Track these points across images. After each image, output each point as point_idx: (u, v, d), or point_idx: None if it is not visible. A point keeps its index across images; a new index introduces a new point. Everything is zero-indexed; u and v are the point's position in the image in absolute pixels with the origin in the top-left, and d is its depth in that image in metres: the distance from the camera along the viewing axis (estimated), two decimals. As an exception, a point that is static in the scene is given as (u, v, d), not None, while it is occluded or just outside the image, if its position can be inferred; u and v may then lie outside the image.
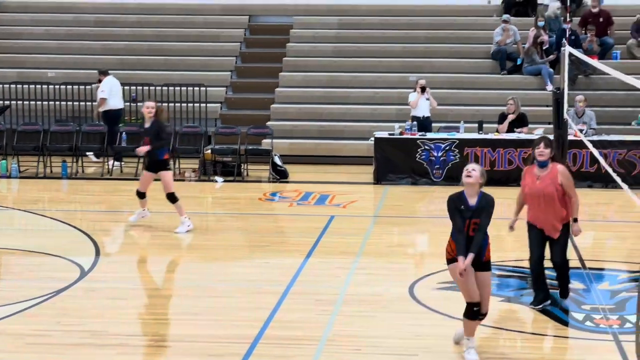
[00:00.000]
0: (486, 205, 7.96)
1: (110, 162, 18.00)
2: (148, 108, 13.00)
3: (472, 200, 7.97)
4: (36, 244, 12.20)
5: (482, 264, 7.95)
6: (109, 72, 19.37)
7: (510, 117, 17.26)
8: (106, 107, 18.88)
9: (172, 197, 13.10)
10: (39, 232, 13.09)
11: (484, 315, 8.03)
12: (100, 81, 19.13)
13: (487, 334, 8.65)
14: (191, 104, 19.94)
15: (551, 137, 13.87)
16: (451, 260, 7.95)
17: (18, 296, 9.74)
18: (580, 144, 15.73)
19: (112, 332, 8.62)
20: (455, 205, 7.91)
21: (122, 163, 18.26)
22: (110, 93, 18.94)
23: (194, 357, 8.02)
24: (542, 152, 9.31)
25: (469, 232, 7.86)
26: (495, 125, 17.60)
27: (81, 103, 20.13)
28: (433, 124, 18.08)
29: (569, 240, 9.63)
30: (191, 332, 8.62)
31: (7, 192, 14.05)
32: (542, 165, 9.33)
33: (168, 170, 13.23)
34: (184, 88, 20.02)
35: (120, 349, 8.17)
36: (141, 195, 13.34)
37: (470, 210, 7.88)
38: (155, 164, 13.10)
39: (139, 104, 19.93)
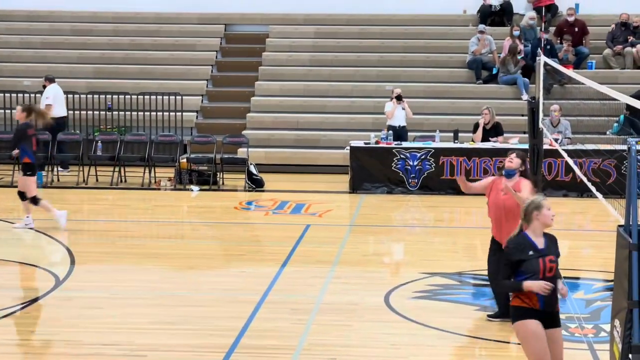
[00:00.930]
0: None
1: (55, 170, 18.00)
2: (18, 112, 13.60)
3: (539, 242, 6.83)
4: (11, 253, 12.12)
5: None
6: (55, 79, 19.33)
7: (481, 124, 17.29)
8: (53, 114, 18.85)
9: (22, 195, 13.48)
10: (13, 241, 13.00)
11: None
12: (44, 87, 19.04)
13: (463, 343, 8.68)
14: (167, 113, 19.89)
15: (526, 147, 13.97)
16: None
17: (-8, 306, 9.68)
18: (555, 153, 15.82)
19: (87, 342, 8.58)
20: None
21: (68, 170, 18.21)
22: (55, 100, 18.87)
23: (170, 366, 8.00)
24: (512, 159, 9.24)
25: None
26: (471, 135, 17.67)
27: (56, 111, 20.02)
28: (409, 133, 18.13)
29: None
30: (167, 342, 8.59)
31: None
32: (509, 174, 9.26)
33: (28, 176, 13.46)
34: (159, 97, 19.97)
35: (95, 359, 8.13)
36: (35, 201, 13.48)
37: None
38: (22, 166, 13.57)
39: (113, 112, 19.91)
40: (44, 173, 17.69)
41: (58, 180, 17.89)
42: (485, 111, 17.40)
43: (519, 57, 20.47)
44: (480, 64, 20.89)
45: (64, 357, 8.18)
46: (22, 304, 9.73)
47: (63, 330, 8.87)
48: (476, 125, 17.48)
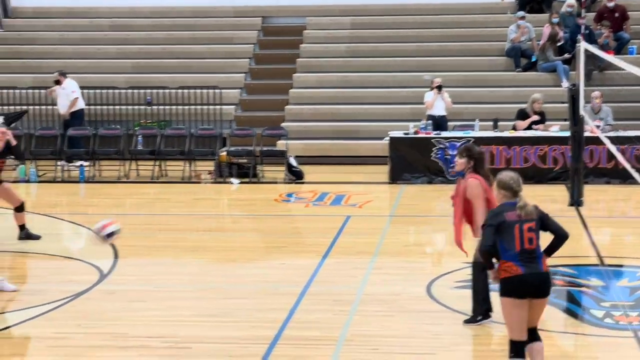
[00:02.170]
0: None
1: (77, 164, 18.14)
2: None
3: None
4: (56, 248, 12.27)
5: None
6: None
7: (534, 118, 17.18)
8: (76, 107, 19.02)
9: None
10: (58, 235, 13.16)
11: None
12: (59, 82, 19.11)
13: (506, 332, 8.65)
14: (206, 107, 20.00)
15: (567, 134, 13.81)
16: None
17: (39, 299, 9.81)
18: (596, 140, 15.70)
19: (132, 334, 8.67)
20: None
21: (77, 165, 18.34)
22: (79, 93, 19.13)
23: (214, 358, 8.06)
24: (456, 162, 8.87)
25: None
26: (511, 123, 17.58)
27: (97, 107, 20.21)
28: (448, 123, 18.08)
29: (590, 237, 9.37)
30: (211, 334, 8.66)
31: (26, 197, 14.11)
32: (460, 176, 8.88)
33: None
34: (198, 91, 20.08)
35: (140, 351, 8.22)
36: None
37: None
38: None
39: (153, 107, 20.04)
40: (85, 168, 17.86)
41: (100, 175, 18.05)
42: (540, 100, 17.24)
43: (558, 44, 20.32)
44: (519, 52, 20.77)
45: (110, 350, 8.28)
46: (67, 297, 9.85)
47: (108, 324, 8.98)
48: (520, 112, 17.32)
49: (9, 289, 10.20)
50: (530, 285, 6.86)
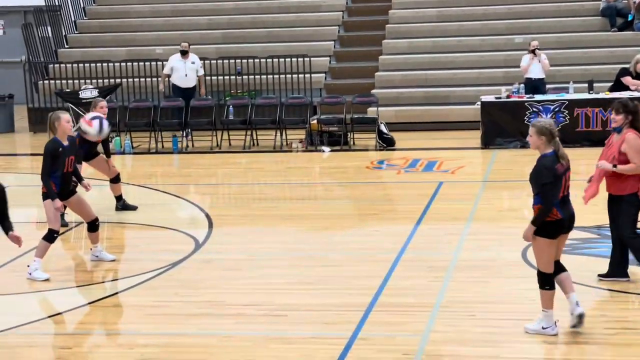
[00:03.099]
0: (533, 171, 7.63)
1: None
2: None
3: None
4: (151, 218, 12.49)
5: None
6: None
7: (634, 72, 16.70)
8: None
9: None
10: (153, 206, 13.38)
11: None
12: (184, 53, 19.16)
13: (603, 297, 8.53)
14: (295, 75, 20.04)
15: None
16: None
17: (137, 269, 10.02)
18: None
19: (228, 302, 8.78)
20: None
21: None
22: None
23: (310, 325, 8.12)
24: (614, 118, 8.76)
25: None
26: (606, 85, 17.19)
27: (189, 78, 20.40)
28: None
29: None
30: (306, 301, 8.72)
31: (122, 168, 14.41)
32: (617, 132, 8.77)
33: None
34: (287, 59, 20.12)
35: (237, 319, 8.33)
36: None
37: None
38: None
39: (243, 77, 20.16)
40: (178, 139, 18.10)
41: (193, 145, 18.27)
42: None
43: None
44: (614, 11, 20.26)
45: (208, 318, 8.40)
46: (164, 267, 10.02)
47: (206, 292, 9.11)
48: (623, 71, 16.83)
49: (108, 258, 10.43)
50: (564, 227, 7.62)
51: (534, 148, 7.68)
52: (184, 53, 19.10)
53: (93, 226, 10.27)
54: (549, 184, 7.44)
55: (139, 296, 9.19)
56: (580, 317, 7.66)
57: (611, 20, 20.34)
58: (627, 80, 16.77)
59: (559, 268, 7.76)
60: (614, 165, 8.63)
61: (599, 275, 9.05)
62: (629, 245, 8.84)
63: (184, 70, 19.07)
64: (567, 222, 7.62)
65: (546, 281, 7.64)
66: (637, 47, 19.31)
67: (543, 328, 7.65)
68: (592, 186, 8.86)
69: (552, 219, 7.50)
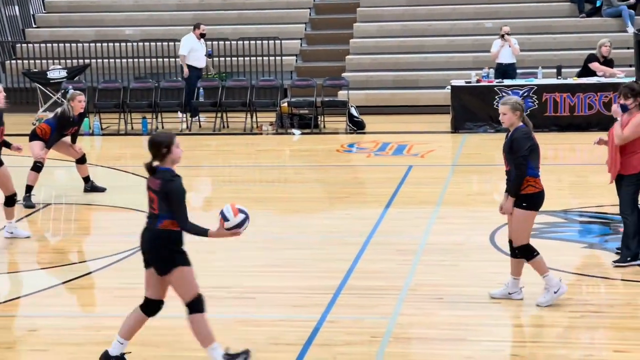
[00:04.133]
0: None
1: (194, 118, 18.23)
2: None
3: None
4: (121, 200, 12.45)
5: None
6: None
7: (601, 58, 16.78)
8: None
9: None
10: (123, 188, 13.33)
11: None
12: (202, 36, 18.89)
13: (570, 281, 8.60)
14: (266, 57, 19.99)
15: (633, 80, 13.60)
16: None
17: (106, 250, 9.99)
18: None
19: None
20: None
21: (199, 118, 18.47)
22: None
23: (279, 307, 8.14)
24: (622, 99, 8.95)
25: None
26: (574, 70, 17.31)
27: (159, 60, 20.32)
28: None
29: None
30: (275, 284, 8.74)
31: (91, 149, 14.31)
32: (623, 109, 8.98)
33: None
34: (259, 42, 20.07)
35: (206, 301, 8.31)
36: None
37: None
38: None
39: (214, 59, 20.08)
40: (148, 120, 18.01)
41: (162, 127, 18.19)
42: (607, 44, 16.90)
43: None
44: (583, -3, 20.38)
45: (176, 300, 8.37)
46: (133, 248, 9.99)
47: (174, 274, 9.07)
48: (592, 57, 16.94)
49: (23, 235, 10.42)
50: (544, 198, 7.92)
51: (508, 125, 7.84)
52: (203, 35, 18.86)
53: (10, 201, 10.27)
54: (528, 153, 7.71)
55: (107, 278, 9.17)
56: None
57: (579, 6, 20.45)
58: (594, 66, 16.88)
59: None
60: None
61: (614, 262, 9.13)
62: (623, 225, 9.02)
63: (203, 51, 18.88)
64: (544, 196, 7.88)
65: (529, 250, 7.89)
66: (605, 32, 19.43)
67: (555, 292, 7.90)
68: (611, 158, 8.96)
69: (536, 190, 7.76)
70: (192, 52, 18.60)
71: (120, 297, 8.54)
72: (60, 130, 12.18)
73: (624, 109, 8.90)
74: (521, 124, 7.84)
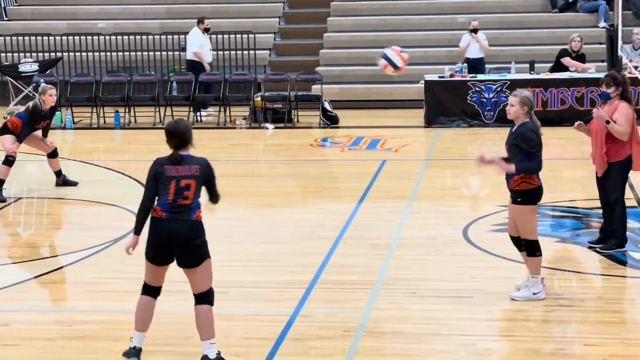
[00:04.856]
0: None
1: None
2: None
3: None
4: (93, 194, 12.37)
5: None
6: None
7: (571, 52, 16.90)
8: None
9: None
10: (95, 182, 13.24)
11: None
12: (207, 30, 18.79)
13: (542, 275, 8.62)
14: (240, 52, 19.94)
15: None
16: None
17: (77, 245, 9.92)
18: (635, 82, 15.46)
19: (170, 279, 8.64)
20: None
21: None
22: None
23: (252, 302, 8.12)
24: (606, 85, 9.17)
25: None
26: (547, 65, 17.38)
27: (132, 53, 20.22)
28: (485, 65, 17.92)
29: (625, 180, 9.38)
30: (248, 278, 8.72)
31: (63, 143, 14.21)
32: (604, 97, 9.16)
33: None
34: (232, 35, 20.00)
35: (179, 296, 8.26)
36: None
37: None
38: None
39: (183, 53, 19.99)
40: (121, 114, 17.91)
41: (135, 121, 18.11)
42: (577, 39, 16.99)
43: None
44: (556, -8, 20.47)
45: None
46: (105, 243, 9.94)
47: (147, 269, 9.03)
48: (564, 51, 17.03)
49: None
50: (542, 194, 7.95)
51: (514, 117, 7.89)
52: (207, 30, 18.73)
53: None
54: (538, 145, 7.74)
55: (79, 272, 9.12)
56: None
57: (552, 1, 20.53)
58: (566, 60, 16.98)
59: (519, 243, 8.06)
60: (607, 122, 8.88)
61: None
62: (607, 212, 9.20)
63: (209, 45, 18.76)
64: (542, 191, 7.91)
65: (535, 248, 7.90)
66: (578, 28, 19.53)
67: (534, 294, 7.91)
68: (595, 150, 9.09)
69: (533, 186, 7.80)
70: (201, 47, 18.46)
71: (92, 292, 8.49)
72: (31, 124, 12.11)
73: (606, 97, 9.05)
74: (528, 119, 7.82)
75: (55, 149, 12.62)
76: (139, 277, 8.76)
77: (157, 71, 19.58)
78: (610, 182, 9.09)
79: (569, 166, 11.01)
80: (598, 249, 9.26)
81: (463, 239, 9.88)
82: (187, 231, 6.61)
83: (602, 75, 15.73)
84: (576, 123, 9.11)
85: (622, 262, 9.05)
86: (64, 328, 7.61)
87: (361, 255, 9.36)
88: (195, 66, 18.47)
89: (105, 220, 11.13)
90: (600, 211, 9.47)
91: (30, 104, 12.19)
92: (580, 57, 17.09)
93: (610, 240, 9.22)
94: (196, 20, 18.83)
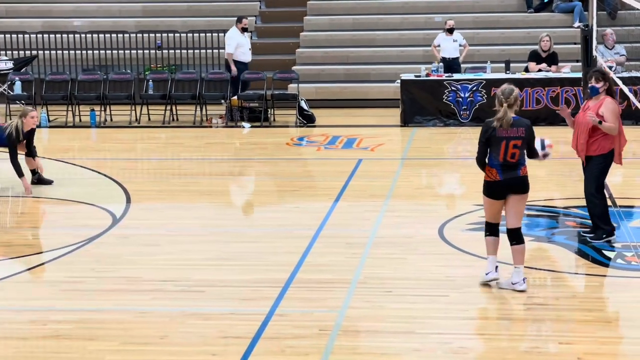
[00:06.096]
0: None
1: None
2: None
3: None
4: (68, 193, 12.32)
5: None
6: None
7: (541, 52, 17.02)
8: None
9: None
10: (70, 180, 13.19)
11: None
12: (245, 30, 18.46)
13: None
14: (216, 50, 19.90)
15: (579, 75, 13.73)
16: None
17: (53, 244, 9.89)
18: (609, 82, 15.56)
19: (145, 278, 8.72)
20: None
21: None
22: None
23: (227, 301, 8.11)
24: (594, 81, 9.38)
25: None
26: (523, 65, 17.46)
27: (107, 51, 20.13)
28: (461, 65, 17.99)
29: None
30: (224, 277, 8.71)
31: (38, 142, 14.03)
32: (592, 92, 9.36)
33: None
34: (208, 34, 19.96)
35: (154, 294, 8.28)
36: None
37: None
38: None
39: (163, 51, 19.95)
40: (96, 113, 17.84)
41: (111, 120, 18.04)
42: (545, 38, 17.10)
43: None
44: (531, -8, 20.56)
45: (124, 294, 8.33)
46: (81, 242, 9.90)
47: (122, 267, 9.03)
48: (534, 54, 17.19)
49: None
50: (499, 190, 8.17)
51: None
52: (245, 29, 18.52)
53: None
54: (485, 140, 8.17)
55: (54, 271, 9.08)
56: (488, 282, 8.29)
57: (528, 1, 20.63)
58: (530, 67, 17.10)
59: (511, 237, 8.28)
60: (600, 122, 9.13)
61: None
62: (587, 204, 9.46)
63: (248, 45, 18.46)
64: (504, 187, 8.05)
65: (520, 236, 8.20)
66: (553, 28, 19.64)
67: (512, 283, 8.14)
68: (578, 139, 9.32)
69: (491, 179, 8.09)
70: (238, 47, 18.14)
71: (66, 291, 8.45)
72: (8, 147, 12.17)
73: (595, 92, 9.25)
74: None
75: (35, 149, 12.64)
76: (114, 275, 8.77)
77: (133, 69, 19.51)
78: (589, 174, 9.35)
79: (544, 165, 11.04)
80: (588, 239, 9.51)
81: (439, 238, 9.91)
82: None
83: (577, 75, 15.97)
84: (561, 106, 9.46)
85: (597, 261, 9.11)
86: (38, 327, 7.57)
87: (337, 254, 9.37)
88: (239, 65, 18.17)
89: (80, 218, 11.09)
90: (577, 210, 9.59)
91: (9, 129, 12.16)
92: (551, 56, 17.19)
93: (598, 231, 9.48)
94: (235, 19, 18.37)
